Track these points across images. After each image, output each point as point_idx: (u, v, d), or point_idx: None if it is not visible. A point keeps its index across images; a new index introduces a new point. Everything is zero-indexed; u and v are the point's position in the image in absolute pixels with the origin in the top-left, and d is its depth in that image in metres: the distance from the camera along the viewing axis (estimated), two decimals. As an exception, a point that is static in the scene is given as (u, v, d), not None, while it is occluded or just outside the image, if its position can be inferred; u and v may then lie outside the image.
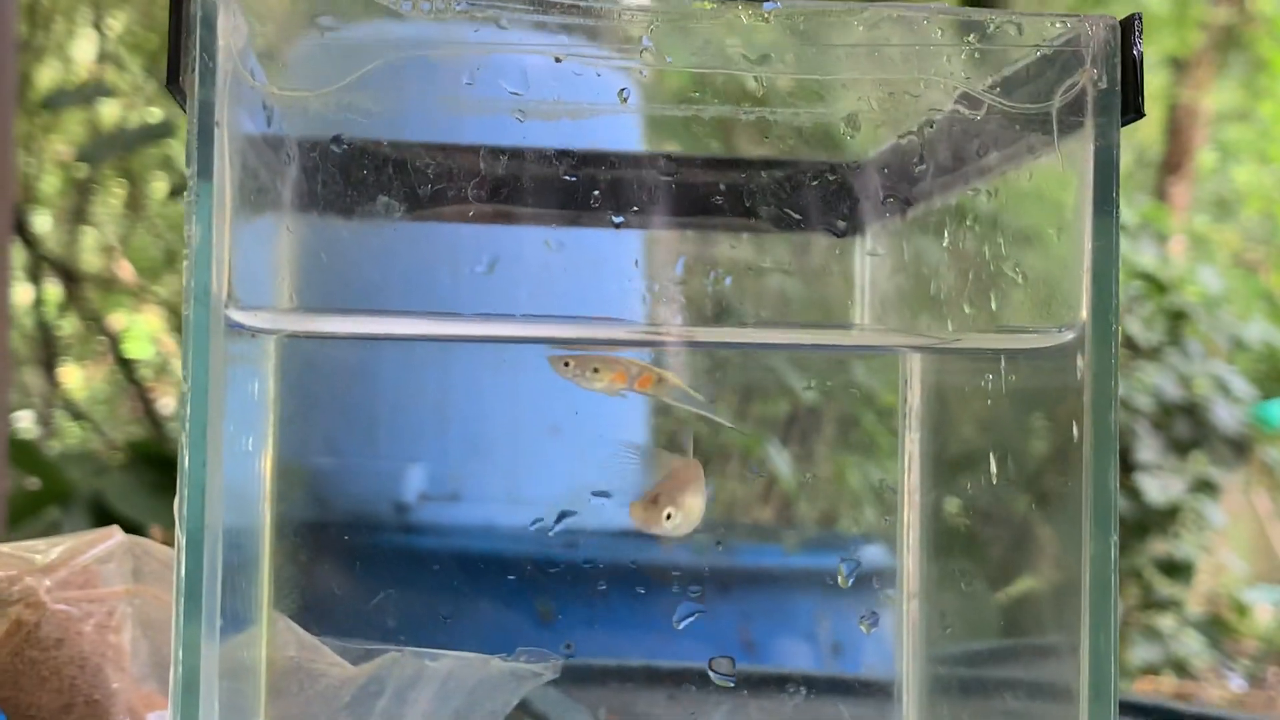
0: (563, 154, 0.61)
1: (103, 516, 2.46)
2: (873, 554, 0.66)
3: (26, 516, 2.41)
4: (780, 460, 0.84)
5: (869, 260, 0.70)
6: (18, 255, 3.79)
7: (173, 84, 0.48)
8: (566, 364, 0.61)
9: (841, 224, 0.69)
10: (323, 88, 0.53)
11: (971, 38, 0.54)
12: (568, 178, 0.65)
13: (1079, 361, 0.52)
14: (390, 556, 0.71)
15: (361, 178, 0.61)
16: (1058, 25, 0.53)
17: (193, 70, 0.46)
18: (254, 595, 0.61)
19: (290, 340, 0.61)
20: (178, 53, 0.47)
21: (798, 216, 0.68)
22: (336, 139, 0.56)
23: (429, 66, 0.55)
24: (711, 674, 0.64)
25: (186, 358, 0.46)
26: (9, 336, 1.62)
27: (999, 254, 0.59)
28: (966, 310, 0.61)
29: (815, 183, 0.68)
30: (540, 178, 0.67)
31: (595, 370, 0.61)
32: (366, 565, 0.70)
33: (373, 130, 0.58)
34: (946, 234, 0.62)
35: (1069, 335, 0.53)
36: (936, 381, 0.63)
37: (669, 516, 0.57)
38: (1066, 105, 0.53)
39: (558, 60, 0.53)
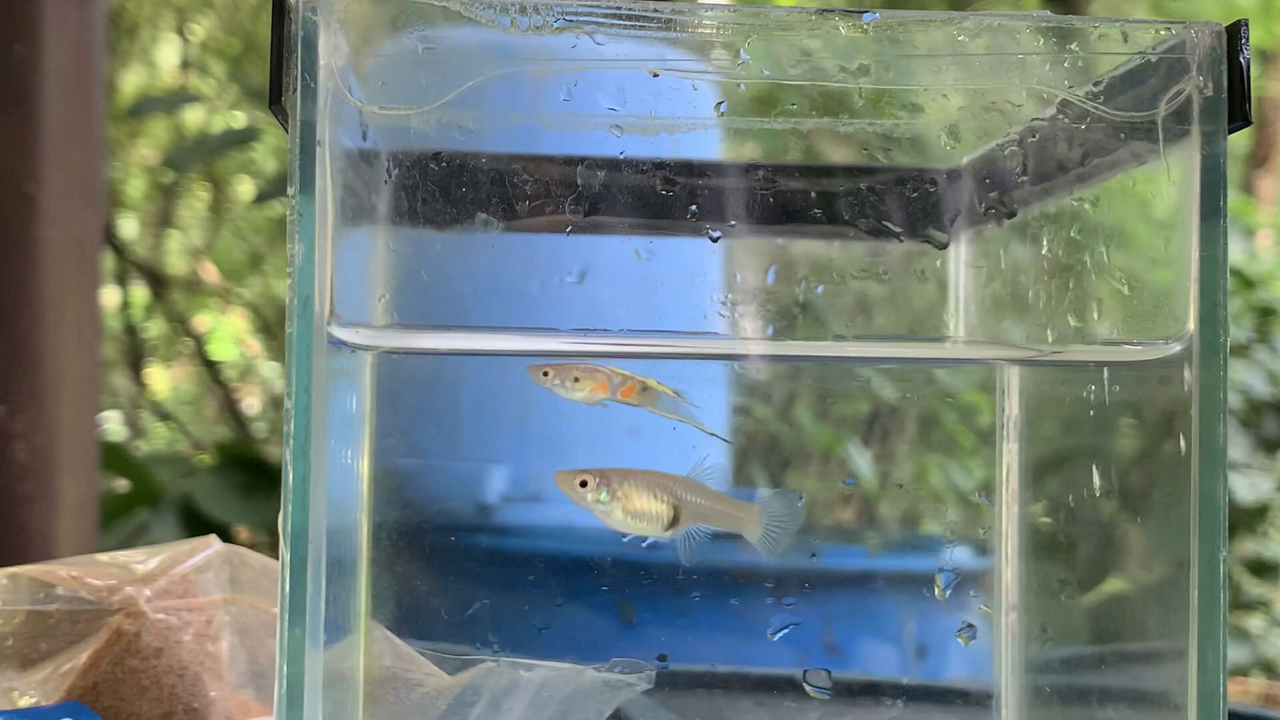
0: (657, 164, 0.61)
1: (191, 518, 2.49)
2: (970, 565, 0.66)
3: (117, 518, 2.45)
4: (870, 467, 0.84)
5: (964, 268, 0.69)
6: (107, 259, 3.86)
7: (275, 104, 0.48)
8: (546, 373, 0.60)
9: (936, 232, 0.68)
10: (421, 105, 0.53)
11: (1074, 45, 0.53)
12: (662, 189, 0.65)
13: (1186, 374, 0.52)
14: (481, 561, 0.71)
15: (459, 194, 0.61)
16: (1162, 32, 0.52)
17: (294, 90, 0.47)
18: (352, 605, 0.61)
19: (387, 354, 0.61)
20: (279, 73, 0.47)
21: (891, 224, 0.68)
22: (435, 155, 0.56)
23: (526, 83, 0.55)
24: (807, 687, 0.64)
25: (290, 374, 0.46)
26: (100, 343, 1.65)
27: (1101, 263, 0.59)
28: (1066, 321, 0.60)
29: (910, 190, 0.67)
30: (633, 188, 0.67)
31: (575, 380, 0.60)
32: (458, 570, 0.70)
33: (470, 146, 0.58)
34: (1045, 242, 0.61)
35: (1175, 347, 0.52)
36: (1035, 392, 0.63)
37: (583, 485, 0.54)
38: (1172, 113, 0.52)
39: (654, 75, 0.53)
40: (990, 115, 0.59)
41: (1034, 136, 0.59)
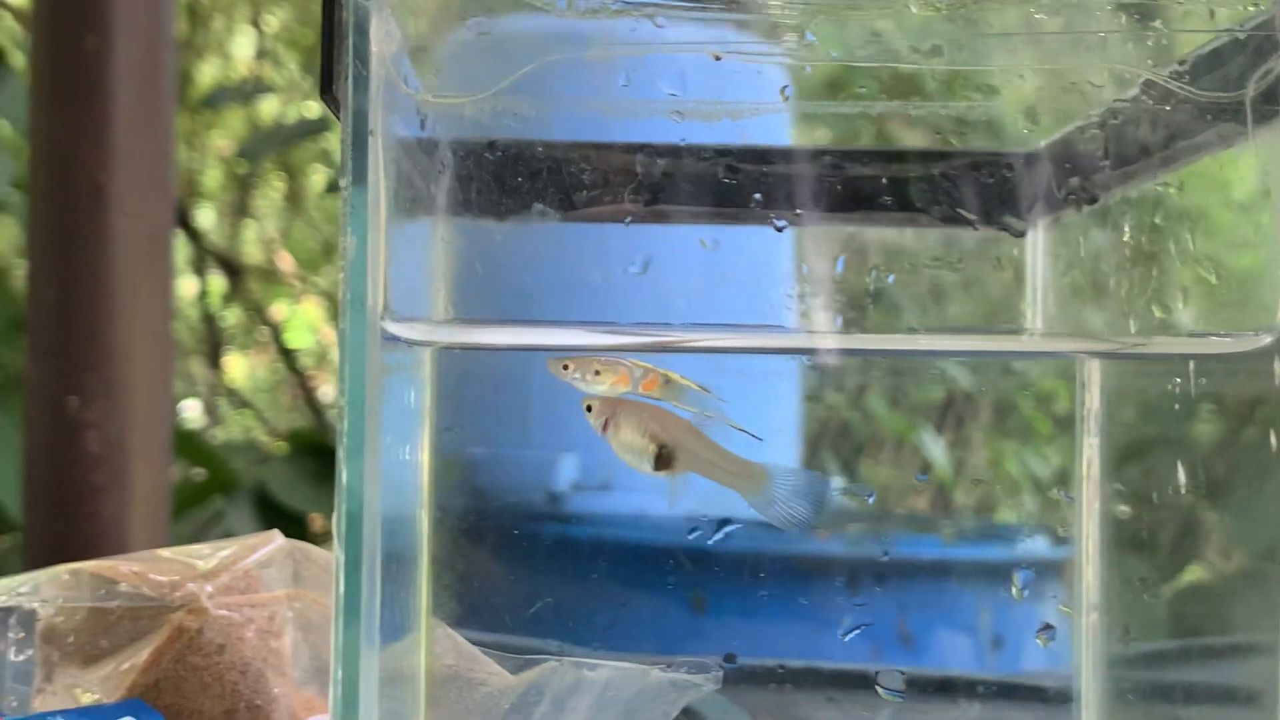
0: (720, 151, 0.59)
1: (265, 506, 2.51)
2: (1048, 562, 0.63)
3: (192, 506, 2.47)
4: (944, 458, 0.81)
5: (1042, 256, 0.67)
6: (183, 249, 3.90)
7: (326, 93, 0.47)
8: (566, 366, 0.58)
9: (1013, 219, 0.66)
10: (476, 93, 0.52)
11: (1157, 22, 0.51)
12: (726, 176, 0.64)
13: (1277, 366, 0.49)
14: (546, 553, 0.70)
15: (517, 183, 0.60)
16: (1250, 8, 0.50)
17: (346, 78, 0.45)
18: (412, 603, 0.60)
19: (446, 349, 0.60)
20: (330, 61, 0.46)
21: (966, 211, 0.66)
22: (493, 144, 0.55)
23: (584, 68, 0.53)
24: (880, 689, 0.62)
25: (343, 371, 0.45)
26: (172, 333, 1.65)
27: (1186, 251, 0.56)
28: (1150, 311, 0.58)
29: (985, 176, 0.65)
30: (696, 175, 0.65)
31: (596, 373, 0.58)
32: (522, 564, 0.69)
33: (527, 134, 0.57)
34: (1127, 229, 0.59)
35: (1266, 339, 0.50)
36: (1117, 383, 0.60)
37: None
38: (1261, 93, 0.50)
39: (716, 58, 0.51)
40: (1069, 97, 0.56)
41: (1115, 119, 0.57)
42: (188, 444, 2.57)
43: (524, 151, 0.61)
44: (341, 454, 0.45)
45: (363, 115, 0.45)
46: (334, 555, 0.45)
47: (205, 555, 0.70)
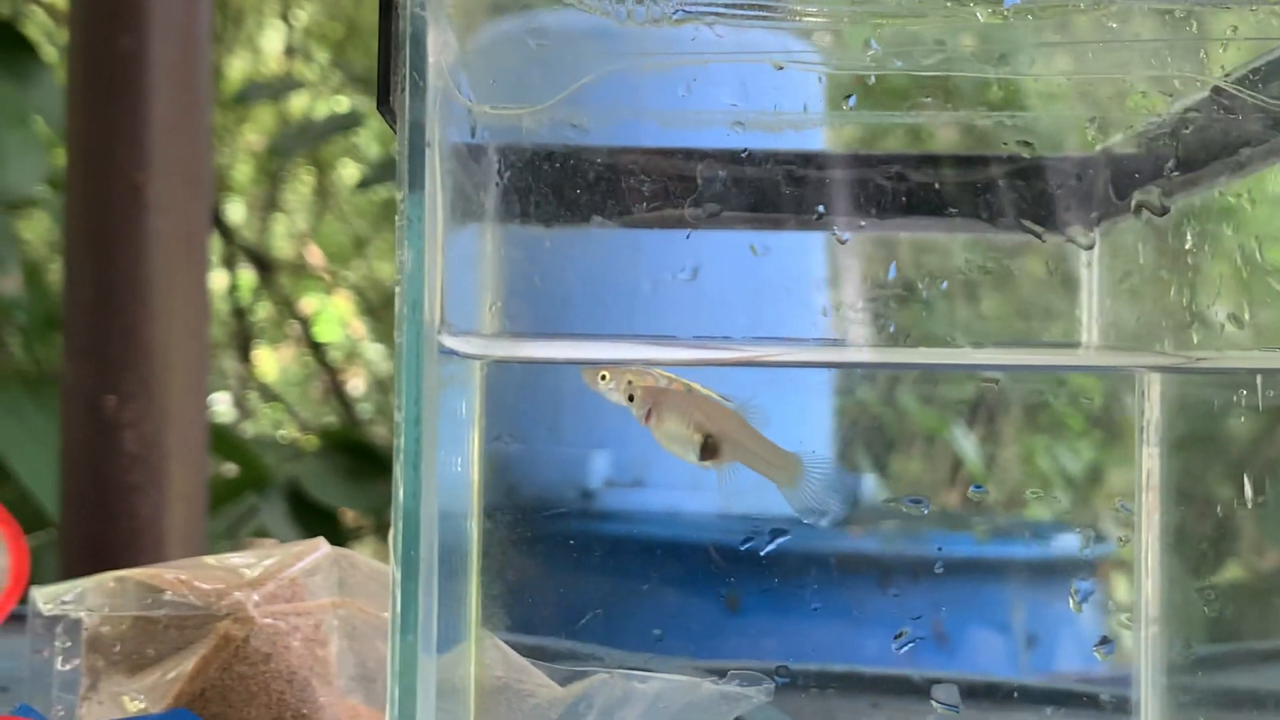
0: (778, 159, 0.58)
1: (298, 502, 2.51)
2: (1106, 574, 0.62)
3: (225, 503, 2.47)
4: (999, 472, 0.80)
5: (1097, 264, 0.66)
6: (214, 244, 3.91)
7: (383, 105, 0.46)
8: (603, 377, 0.57)
9: (1069, 225, 0.65)
10: (534, 104, 0.51)
11: (1231, 30, 0.50)
12: (784, 184, 0.63)
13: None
14: (595, 567, 0.69)
15: (571, 194, 0.59)
16: (1324, 13, 0.49)
17: (403, 90, 0.45)
18: (462, 615, 0.60)
19: (497, 362, 0.59)
20: (388, 72, 0.46)
21: (1020, 218, 0.64)
22: (548, 154, 0.54)
23: (643, 79, 0.53)
24: (935, 704, 0.61)
25: (400, 385, 0.44)
26: (208, 332, 1.66)
27: (1252, 261, 0.55)
28: (1213, 323, 0.57)
29: (1045, 184, 0.64)
30: (750, 182, 0.64)
31: (629, 383, 0.57)
32: (570, 575, 0.69)
33: (584, 143, 0.56)
34: (1190, 238, 0.58)
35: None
36: (1179, 395, 0.59)
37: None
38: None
39: (779, 68, 0.50)
40: (1135, 103, 0.55)
41: (1183, 125, 0.56)
42: (220, 440, 2.57)
43: (579, 160, 0.61)
44: (399, 469, 0.44)
45: (420, 127, 0.44)
46: (390, 569, 0.44)
47: (251, 563, 0.69)
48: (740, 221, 0.66)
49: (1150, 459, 0.60)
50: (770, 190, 0.65)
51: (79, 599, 0.69)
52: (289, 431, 3.93)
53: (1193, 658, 0.59)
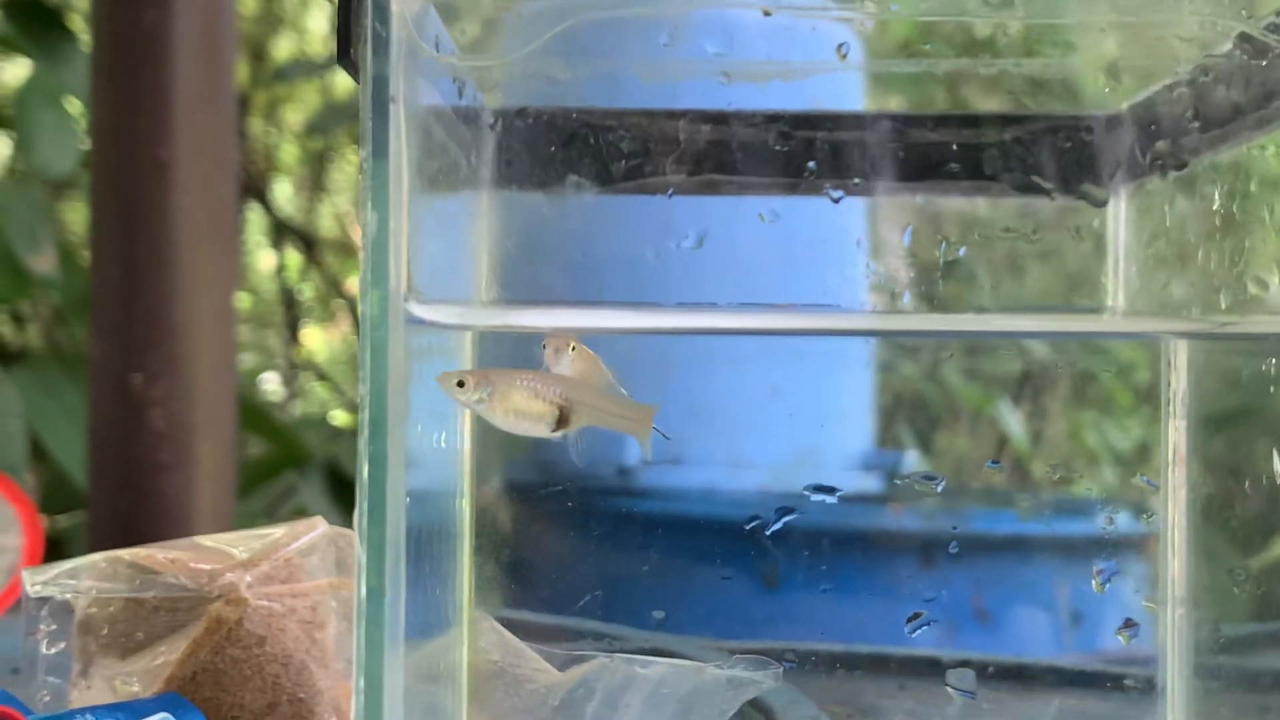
0: (774, 117, 0.55)
1: (337, 481, 2.50)
2: (1131, 552, 0.59)
3: (263, 481, 2.46)
4: (1022, 443, 0.77)
5: (1124, 227, 0.62)
6: (261, 222, 3.92)
7: (344, 58, 0.44)
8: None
9: (1093, 188, 0.62)
10: (510, 54, 0.48)
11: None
12: (780, 144, 0.60)
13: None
14: (597, 546, 0.66)
15: (555, 153, 0.56)
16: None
17: (364, 40, 0.42)
18: (452, 597, 0.57)
19: (490, 333, 0.57)
20: (348, 22, 0.43)
21: (1042, 180, 0.61)
22: (522, 111, 0.52)
23: (624, 26, 0.50)
24: (950, 689, 0.58)
25: (363, 357, 0.42)
26: (235, 306, 1.64)
27: (1282, 220, 0.52)
28: (1243, 286, 0.53)
29: (1062, 140, 0.61)
30: (751, 144, 0.61)
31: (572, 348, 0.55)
32: (570, 554, 0.66)
33: (567, 99, 0.53)
34: (1218, 197, 0.54)
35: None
36: (1206, 363, 0.56)
37: (460, 385, 0.49)
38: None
39: (766, 14, 0.47)
40: (1155, 53, 0.52)
41: (1207, 76, 0.52)
42: (259, 419, 2.57)
43: (569, 118, 0.58)
44: (362, 444, 0.42)
45: (383, 81, 0.41)
46: (355, 556, 0.42)
47: (245, 543, 0.67)
48: (736, 185, 0.63)
49: (1177, 431, 0.57)
50: (777, 151, 0.62)
51: (69, 579, 0.67)
52: (334, 410, 3.94)
53: (1222, 640, 0.56)
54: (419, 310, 0.43)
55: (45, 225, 2.21)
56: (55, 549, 2.11)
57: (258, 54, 3.77)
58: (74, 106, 2.24)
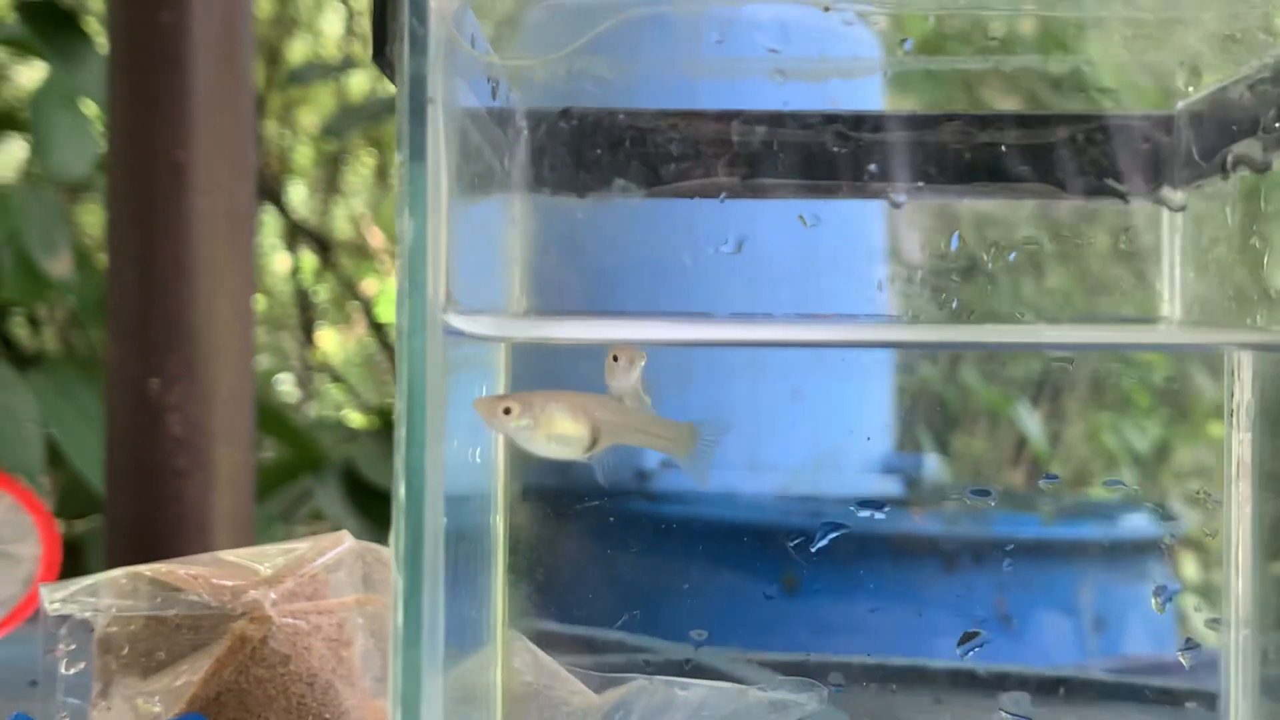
0: (828, 117, 0.53)
1: (353, 484, 2.48)
2: (1189, 571, 0.57)
3: (280, 484, 2.45)
4: (1063, 455, 0.75)
5: (1179, 231, 0.60)
6: (276, 224, 3.91)
7: (379, 56, 0.42)
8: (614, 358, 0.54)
9: (1149, 187, 0.59)
10: (550, 54, 0.46)
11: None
12: (832, 145, 0.58)
13: None
14: (633, 566, 0.64)
15: (599, 157, 0.54)
16: None
17: (401, 39, 0.40)
18: (486, 617, 0.55)
19: (523, 344, 0.55)
20: (383, 18, 0.41)
21: (1096, 180, 0.59)
22: (558, 113, 0.49)
23: (673, 24, 0.47)
24: (1004, 715, 0.56)
25: (401, 370, 0.40)
26: (254, 309, 1.62)
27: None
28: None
29: (1117, 140, 0.59)
30: (798, 145, 0.59)
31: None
32: (607, 573, 0.64)
33: (610, 101, 0.51)
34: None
35: None
36: (1274, 373, 0.53)
37: (507, 412, 0.47)
38: None
39: (826, 9, 0.45)
40: (1223, 47, 0.50)
41: (1270, 73, 0.50)
42: (275, 422, 2.55)
43: (609, 120, 0.56)
44: (399, 462, 0.40)
45: (421, 81, 0.39)
46: (393, 579, 0.40)
47: (269, 559, 0.65)
48: (787, 189, 0.61)
49: (1241, 445, 0.54)
50: (820, 153, 0.60)
51: (89, 596, 0.65)
52: (349, 412, 3.93)
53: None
54: (457, 321, 0.41)
55: (61, 228, 2.19)
56: (73, 554, 2.09)
57: (272, 57, 3.76)
58: (90, 109, 2.22)
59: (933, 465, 0.85)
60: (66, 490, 2.31)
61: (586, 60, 0.49)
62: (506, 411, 0.45)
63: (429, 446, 0.40)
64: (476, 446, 0.50)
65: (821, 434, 0.73)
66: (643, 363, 0.51)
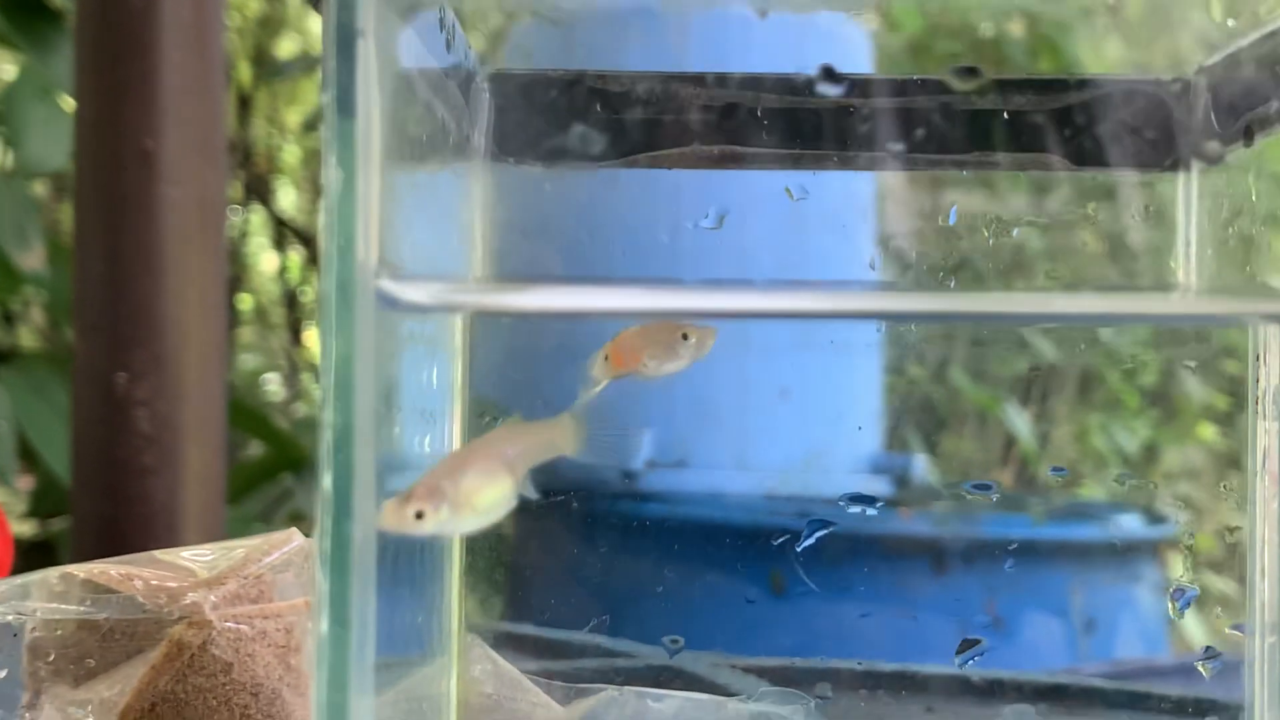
0: (810, 81, 0.48)
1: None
2: (1211, 576, 0.52)
3: (260, 484, 2.40)
4: (1064, 450, 0.71)
5: (1195, 204, 0.56)
6: (264, 224, 3.87)
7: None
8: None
9: (1161, 156, 0.55)
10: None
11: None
12: (814, 109, 0.53)
13: None
14: (604, 566, 0.60)
15: (559, 120, 0.50)
16: None
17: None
18: (440, 623, 0.50)
19: (481, 315, 0.50)
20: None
21: (1104, 149, 0.54)
22: (520, 73, 0.45)
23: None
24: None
25: (326, 343, 0.35)
26: (224, 303, 1.57)
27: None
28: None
29: (1126, 106, 0.54)
30: (780, 109, 0.55)
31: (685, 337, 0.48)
32: (575, 574, 0.60)
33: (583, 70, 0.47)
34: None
35: None
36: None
37: (419, 516, 0.39)
38: None
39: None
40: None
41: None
42: (254, 421, 2.50)
43: (573, 81, 0.51)
44: (325, 449, 0.35)
45: (349, 8, 0.34)
46: (315, 581, 0.35)
47: (210, 559, 0.60)
48: (774, 159, 0.56)
49: (1267, 435, 0.50)
50: (807, 120, 0.55)
51: (19, 598, 0.60)
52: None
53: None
54: (392, 287, 0.36)
55: (34, 222, 2.14)
56: (48, 554, 2.05)
57: (260, 57, 3.72)
58: (67, 103, 2.18)
59: (921, 464, 0.81)
60: (41, 489, 2.26)
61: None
62: (419, 516, 0.38)
63: (358, 430, 0.35)
64: (426, 434, 0.45)
65: (811, 429, 0.70)
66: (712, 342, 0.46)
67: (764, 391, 0.72)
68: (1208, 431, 0.67)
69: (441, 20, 0.46)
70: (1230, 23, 0.51)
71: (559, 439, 0.46)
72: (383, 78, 0.36)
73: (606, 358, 0.49)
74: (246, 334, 4.12)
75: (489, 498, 0.40)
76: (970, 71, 0.49)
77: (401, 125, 0.40)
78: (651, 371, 0.49)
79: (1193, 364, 0.56)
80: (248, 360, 4.11)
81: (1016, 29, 0.60)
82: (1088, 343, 0.66)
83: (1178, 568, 0.55)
